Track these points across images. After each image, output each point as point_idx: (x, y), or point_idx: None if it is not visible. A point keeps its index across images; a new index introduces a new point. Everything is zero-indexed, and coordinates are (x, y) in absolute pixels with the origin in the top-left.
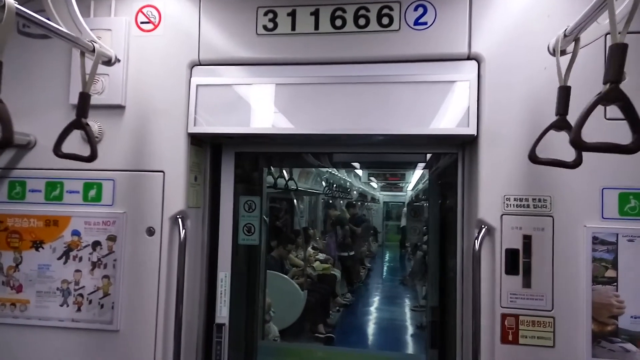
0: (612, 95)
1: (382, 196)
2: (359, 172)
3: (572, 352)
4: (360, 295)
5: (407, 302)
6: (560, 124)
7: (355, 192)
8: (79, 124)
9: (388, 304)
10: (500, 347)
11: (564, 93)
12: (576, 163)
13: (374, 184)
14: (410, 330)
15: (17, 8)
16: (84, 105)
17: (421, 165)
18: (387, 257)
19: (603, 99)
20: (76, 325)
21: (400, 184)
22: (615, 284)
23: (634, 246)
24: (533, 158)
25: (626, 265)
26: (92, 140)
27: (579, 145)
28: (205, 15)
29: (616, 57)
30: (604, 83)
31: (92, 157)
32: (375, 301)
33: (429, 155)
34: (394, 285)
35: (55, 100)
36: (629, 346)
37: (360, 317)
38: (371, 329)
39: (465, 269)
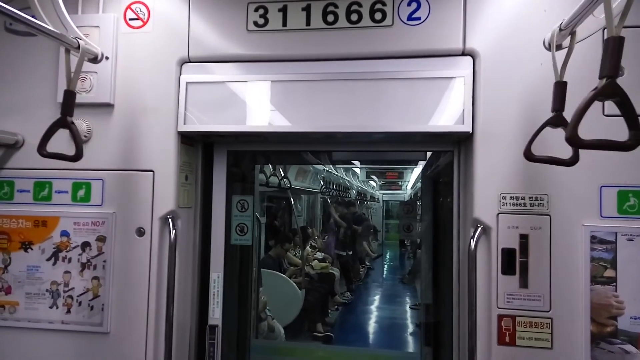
0: (609, 90)
1: (382, 195)
2: (358, 170)
3: (570, 353)
4: (359, 294)
5: (407, 300)
6: (557, 120)
7: (354, 190)
8: (64, 122)
9: (387, 302)
10: (497, 348)
11: (560, 89)
12: (573, 161)
13: (373, 183)
14: (409, 328)
15: (0, 6)
16: (69, 103)
17: (421, 163)
18: (387, 256)
19: (599, 95)
20: (66, 327)
21: (400, 183)
22: (615, 284)
23: (633, 245)
24: (529, 156)
25: (625, 265)
26: (77, 139)
27: (575, 142)
28: (194, 12)
29: (612, 51)
30: (600, 78)
31: (78, 157)
32: (375, 300)
33: (429, 153)
34: (393, 284)
35: (43, 99)
36: (629, 347)
37: (359, 316)
38: (370, 327)
39: (461, 269)
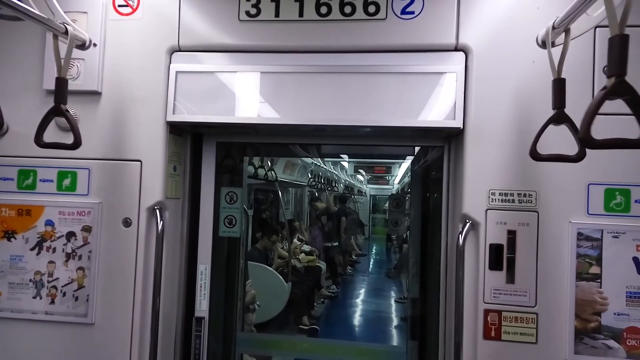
0: (619, 89)
1: (369, 189)
2: (345, 164)
3: (554, 348)
4: (345, 287)
5: (392, 294)
6: (559, 117)
7: (341, 184)
8: (58, 110)
9: (373, 296)
10: (483, 342)
11: (559, 85)
12: (579, 157)
13: (361, 177)
14: (394, 322)
15: None
16: (61, 91)
17: (409, 157)
18: (373, 250)
19: (610, 94)
20: (50, 318)
21: (387, 177)
22: (599, 280)
23: (618, 242)
24: (534, 155)
25: (610, 262)
26: (74, 127)
27: (589, 143)
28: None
29: (618, 49)
30: (608, 77)
31: (76, 145)
32: (361, 293)
33: (417, 148)
34: (379, 277)
35: (28, 85)
36: (612, 343)
37: (345, 309)
38: (355, 320)
39: (448, 263)
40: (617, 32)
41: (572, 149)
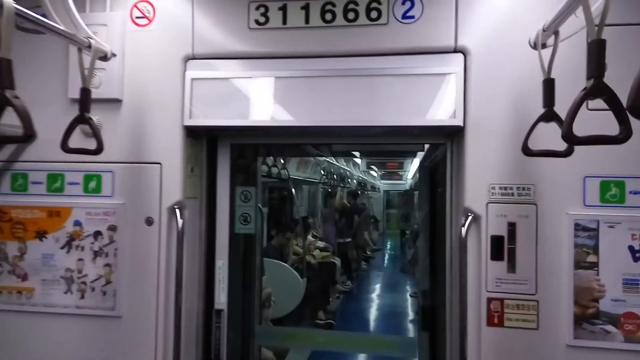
0: (597, 89)
1: (382, 185)
2: (358, 160)
3: (554, 333)
4: (360, 283)
5: (407, 289)
6: (548, 115)
7: (354, 180)
8: (82, 118)
9: (388, 290)
10: (487, 329)
11: (549, 86)
12: (568, 152)
13: (374, 173)
14: (409, 316)
15: (15, 8)
16: (85, 100)
17: (420, 153)
18: (388, 245)
19: (589, 94)
20: (80, 311)
21: (400, 173)
22: (596, 268)
23: (614, 232)
24: (526, 150)
25: (607, 251)
26: (97, 134)
27: (571, 139)
28: (198, 10)
29: (596, 53)
30: (588, 78)
31: (99, 150)
32: (375, 288)
33: (427, 145)
34: (394, 272)
35: (54, 95)
36: (609, 327)
37: (360, 304)
38: (371, 315)
39: (453, 255)
40: (595, 37)
41: (564, 144)
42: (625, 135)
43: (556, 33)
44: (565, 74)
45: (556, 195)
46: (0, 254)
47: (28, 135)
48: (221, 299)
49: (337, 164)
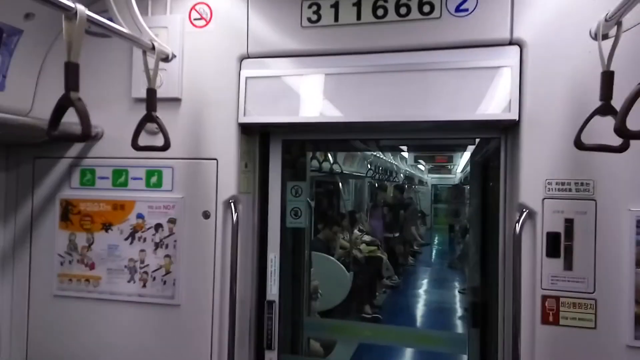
0: None
1: (430, 179)
2: (405, 154)
3: (613, 334)
4: (407, 278)
5: (455, 285)
6: (605, 109)
7: (401, 174)
8: (150, 117)
9: (435, 286)
10: (541, 327)
11: (607, 78)
12: (623, 147)
13: (422, 167)
14: (458, 312)
15: (87, 15)
16: (152, 100)
17: (471, 147)
18: (436, 241)
19: None
20: (142, 299)
21: (449, 166)
22: None
23: None
24: (579, 144)
25: None
26: (164, 131)
27: (624, 133)
28: (253, 10)
29: None
30: None
31: (166, 146)
32: (423, 284)
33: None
34: (442, 268)
35: (119, 94)
36: None
37: (407, 299)
38: (417, 310)
39: (506, 252)
40: None
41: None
42: None
43: (619, 24)
44: (627, 67)
45: (617, 191)
46: (70, 245)
47: (85, 135)
48: (273, 291)
49: (384, 157)
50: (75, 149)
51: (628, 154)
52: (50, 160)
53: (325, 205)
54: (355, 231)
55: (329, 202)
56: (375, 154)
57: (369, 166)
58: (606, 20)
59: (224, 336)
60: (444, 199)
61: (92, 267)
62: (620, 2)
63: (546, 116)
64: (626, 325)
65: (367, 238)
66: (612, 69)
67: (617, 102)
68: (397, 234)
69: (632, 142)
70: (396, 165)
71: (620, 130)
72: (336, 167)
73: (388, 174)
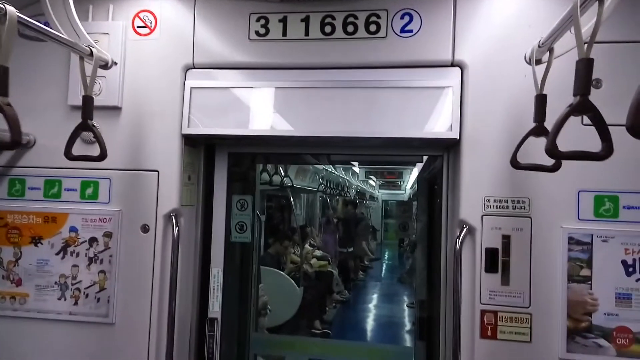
0: (582, 107)
1: (381, 194)
2: (357, 169)
3: (547, 347)
4: (357, 293)
5: (404, 299)
6: (538, 130)
7: (353, 189)
8: (85, 125)
9: (385, 301)
10: (480, 341)
11: (541, 101)
12: (555, 167)
13: (373, 182)
14: (406, 326)
15: (18, 16)
16: (88, 107)
17: (419, 164)
18: (386, 255)
19: (574, 111)
20: (73, 318)
21: (399, 182)
22: (590, 282)
23: (607, 246)
24: (514, 164)
25: (600, 265)
26: (100, 141)
27: (554, 154)
28: (199, 21)
29: (583, 71)
30: (574, 95)
31: (102, 157)
32: (373, 298)
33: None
34: (392, 282)
35: (54, 101)
36: (602, 342)
37: (357, 314)
38: (367, 325)
39: (448, 267)
40: (583, 56)
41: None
42: (606, 152)
43: (551, 50)
44: (559, 91)
45: (550, 209)
46: None
47: (15, 142)
48: (215, 308)
49: (336, 172)
50: (4, 157)
51: (560, 174)
52: None
53: (277, 219)
54: (307, 246)
55: (281, 216)
56: (326, 168)
57: (320, 180)
58: (539, 46)
59: (162, 356)
60: (394, 214)
61: (18, 283)
62: (551, 30)
63: (485, 136)
64: (559, 338)
65: (318, 253)
66: (545, 92)
67: (551, 124)
68: (350, 249)
69: (564, 163)
70: (348, 180)
71: (551, 151)
72: (287, 181)
73: (340, 188)
